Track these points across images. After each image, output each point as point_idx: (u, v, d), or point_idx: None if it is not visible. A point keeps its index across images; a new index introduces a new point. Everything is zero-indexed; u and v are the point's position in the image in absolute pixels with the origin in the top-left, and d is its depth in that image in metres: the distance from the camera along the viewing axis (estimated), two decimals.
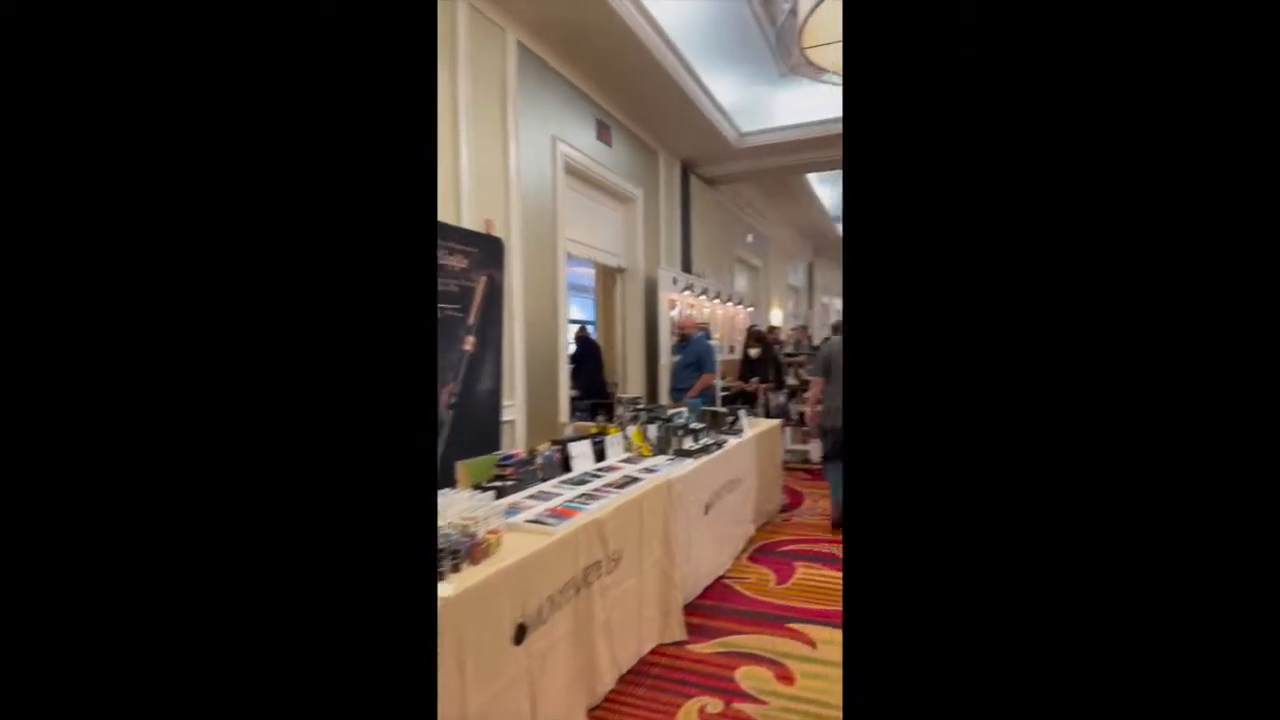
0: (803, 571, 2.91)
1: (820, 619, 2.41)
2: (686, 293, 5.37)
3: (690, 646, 2.20)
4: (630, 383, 5.07)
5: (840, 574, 2.84)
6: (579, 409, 4.28)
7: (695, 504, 2.56)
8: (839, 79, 4.25)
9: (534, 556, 1.56)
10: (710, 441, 2.98)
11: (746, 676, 2.01)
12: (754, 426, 3.63)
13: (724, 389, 5.16)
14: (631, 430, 2.85)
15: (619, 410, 3.33)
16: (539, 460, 2.26)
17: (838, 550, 3.17)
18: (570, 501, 1.98)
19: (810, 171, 6.97)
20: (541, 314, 3.66)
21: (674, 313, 4.96)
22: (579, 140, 4.09)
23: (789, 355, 5.90)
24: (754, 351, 5.38)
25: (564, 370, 3.92)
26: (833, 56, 3.96)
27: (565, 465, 2.38)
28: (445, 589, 1.30)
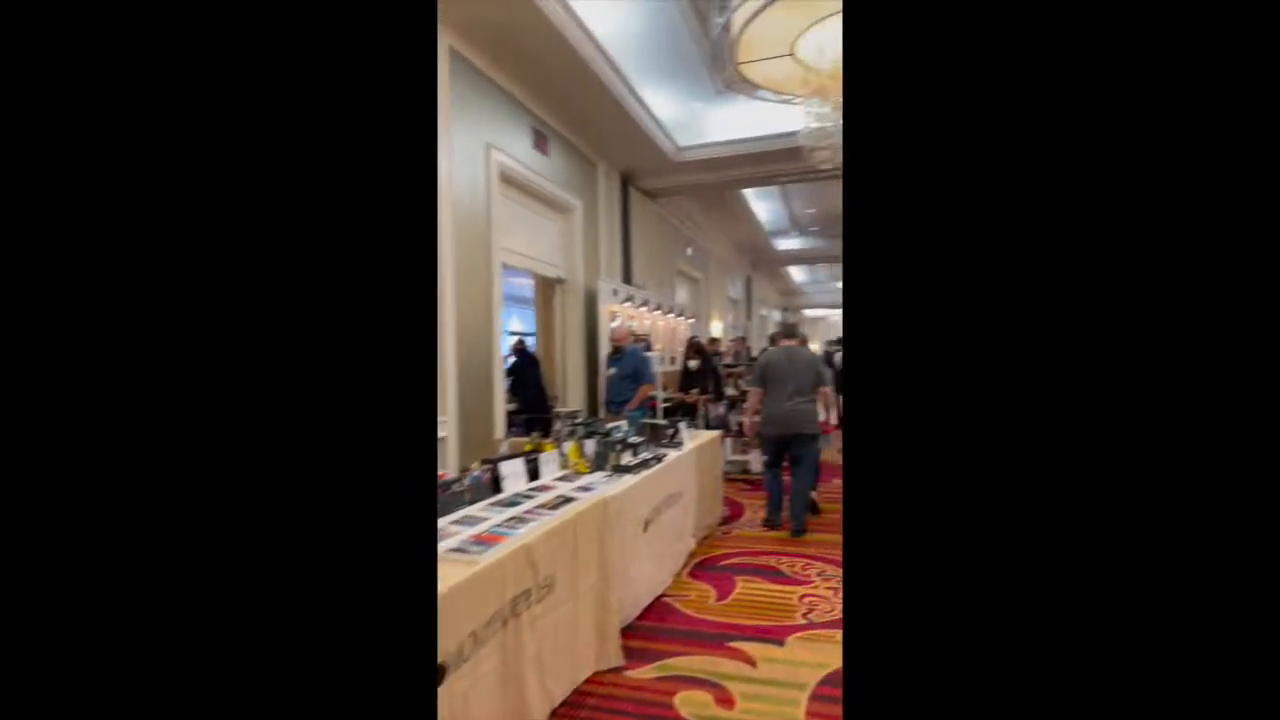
0: (742, 586, 2.89)
1: (760, 635, 2.38)
2: (627, 304, 5.33)
3: (628, 672, 2.12)
4: (571, 395, 4.96)
5: (779, 588, 2.85)
6: (516, 424, 4.14)
7: (634, 521, 2.48)
8: (773, 95, 4.34)
9: (455, 590, 1.45)
10: (650, 455, 2.91)
11: (685, 702, 1.94)
12: (694, 438, 3.59)
13: (665, 400, 5.13)
14: (568, 446, 2.75)
15: (556, 425, 3.22)
16: (467, 482, 2.13)
17: (776, 563, 3.18)
18: (498, 526, 1.86)
19: (746, 187, 7.12)
20: (475, 325, 3.53)
21: (614, 324, 4.90)
22: (515, 149, 4.00)
23: (728, 366, 5.94)
24: (693, 363, 5.38)
25: (500, 384, 3.79)
26: (766, 73, 4.04)
27: (496, 486, 2.26)
28: None
